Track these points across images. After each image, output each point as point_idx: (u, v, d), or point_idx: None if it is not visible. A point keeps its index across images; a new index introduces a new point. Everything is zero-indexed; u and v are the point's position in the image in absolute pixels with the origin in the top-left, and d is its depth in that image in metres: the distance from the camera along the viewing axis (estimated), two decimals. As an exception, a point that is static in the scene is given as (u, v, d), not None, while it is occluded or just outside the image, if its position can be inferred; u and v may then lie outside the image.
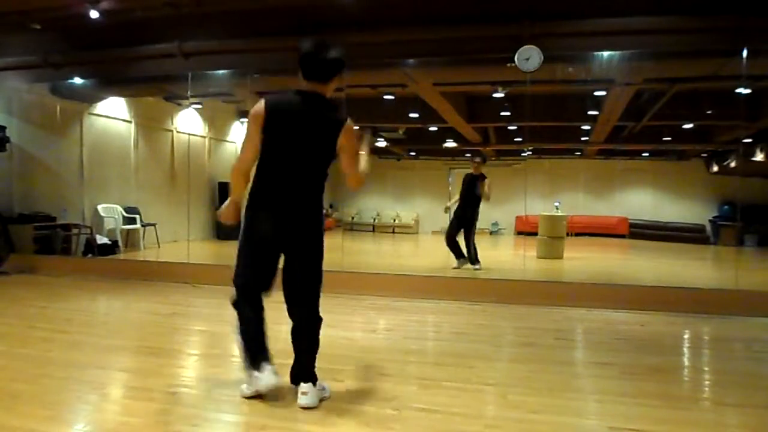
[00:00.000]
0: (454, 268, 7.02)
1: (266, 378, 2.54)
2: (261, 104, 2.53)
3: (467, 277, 6.40)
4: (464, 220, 7.24)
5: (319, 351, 2.67)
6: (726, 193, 12.75)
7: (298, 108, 2.55)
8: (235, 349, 3.59)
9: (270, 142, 2.54)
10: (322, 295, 2.66)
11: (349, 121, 2.58)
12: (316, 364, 2.66)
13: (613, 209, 14.23)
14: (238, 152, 2.64)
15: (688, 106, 9.18)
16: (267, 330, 2.64)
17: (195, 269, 6.27)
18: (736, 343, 4.13)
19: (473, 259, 7.15)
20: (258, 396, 2.60)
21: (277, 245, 2.62)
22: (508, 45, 5.42)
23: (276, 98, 2.57)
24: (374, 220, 15.78)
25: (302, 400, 2.54)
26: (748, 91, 6.66)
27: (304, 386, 2.56)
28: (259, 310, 2.65)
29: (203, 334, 4.21)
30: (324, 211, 2.69)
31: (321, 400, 2.60)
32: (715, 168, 12.97)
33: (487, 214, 14.11)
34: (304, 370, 2.62)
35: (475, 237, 7.26)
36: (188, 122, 10.17)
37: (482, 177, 7.16)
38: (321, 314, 2.67)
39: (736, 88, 6.57)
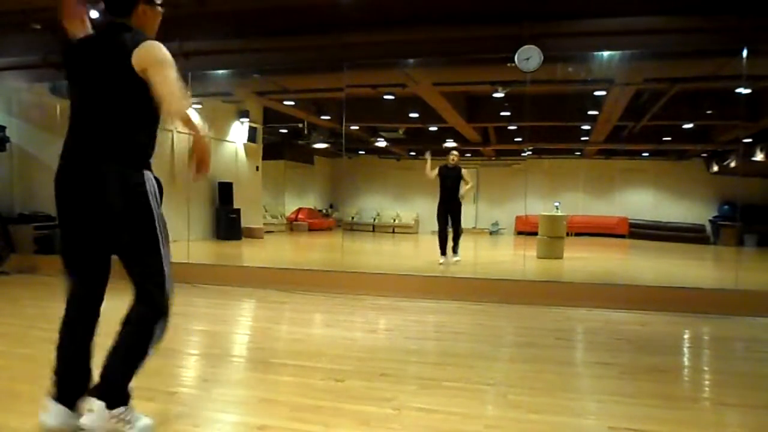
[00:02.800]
0: (441, 263, 7.05)
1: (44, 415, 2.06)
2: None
3: (467, 277, 6.40)
4: (450, 210, 7.32)
5: (146, 365, 2.14)
6: (726, 193, 12.75)
7: (83, 46, 2.12)
8: (234, 348, 3.60)
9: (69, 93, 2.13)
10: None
11: (148, 42, 1.99)
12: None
13: (613, 209, 14.23)
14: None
15: (688, 106, 9.20)
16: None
17: (195, 269, 6.25)
18: (736, 343, 4.13)
19: (456, 246, 7.36)
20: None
21: (82, 226, 2.14)
22: (508, 45, 5.43)
23: (73, 42, 2.18)
24: (374, 220, 15.78)
25: (83, 418, 2.03)
26: (748, 91, 6.67)
27: (92, 403, 2.01)
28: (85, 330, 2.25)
29: (203, 334, 4.20)
30: (151, 175, 2.15)
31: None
32: (715, 168, 12.98)
33: (487, 213, 14.15)
34: (102, 381, 2.08)
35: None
36: (188, 122, 10.15)
37: (458, 169, 7.29)
38: (168, 309, 2.19)
39: (736, 88, 6.57)
